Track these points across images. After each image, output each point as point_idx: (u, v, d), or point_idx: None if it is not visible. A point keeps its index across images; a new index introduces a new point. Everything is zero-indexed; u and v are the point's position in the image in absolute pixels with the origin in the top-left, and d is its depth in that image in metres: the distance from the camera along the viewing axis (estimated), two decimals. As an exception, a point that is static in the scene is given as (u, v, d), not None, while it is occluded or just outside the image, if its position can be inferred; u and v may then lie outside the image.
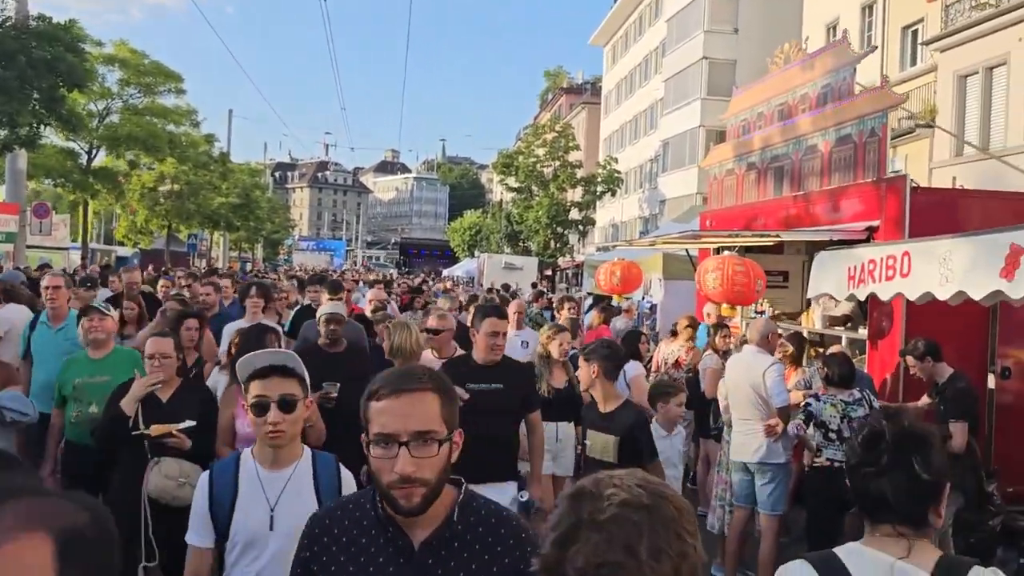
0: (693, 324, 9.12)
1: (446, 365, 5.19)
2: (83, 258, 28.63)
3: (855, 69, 8.50)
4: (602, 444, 4.77)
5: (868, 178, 8.08)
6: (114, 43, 29.53)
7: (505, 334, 5.17)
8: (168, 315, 6.26)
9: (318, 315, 5.64)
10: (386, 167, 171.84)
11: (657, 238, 10.30)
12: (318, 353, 5.30)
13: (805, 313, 9.46)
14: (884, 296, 5.47)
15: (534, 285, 31.75)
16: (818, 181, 9.01)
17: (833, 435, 6.11)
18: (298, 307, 9.09)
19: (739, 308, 8.11)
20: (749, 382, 6.62)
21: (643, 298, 15.48)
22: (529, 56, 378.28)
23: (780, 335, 6.83)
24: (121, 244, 43.96)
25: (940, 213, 7.18)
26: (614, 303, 13.40)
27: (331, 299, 6.55)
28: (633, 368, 7.59)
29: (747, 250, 9.37)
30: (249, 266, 55.90)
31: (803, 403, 6.39)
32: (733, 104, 11.18)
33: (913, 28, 23.77)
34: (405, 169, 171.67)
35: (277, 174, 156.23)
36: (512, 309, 7.68)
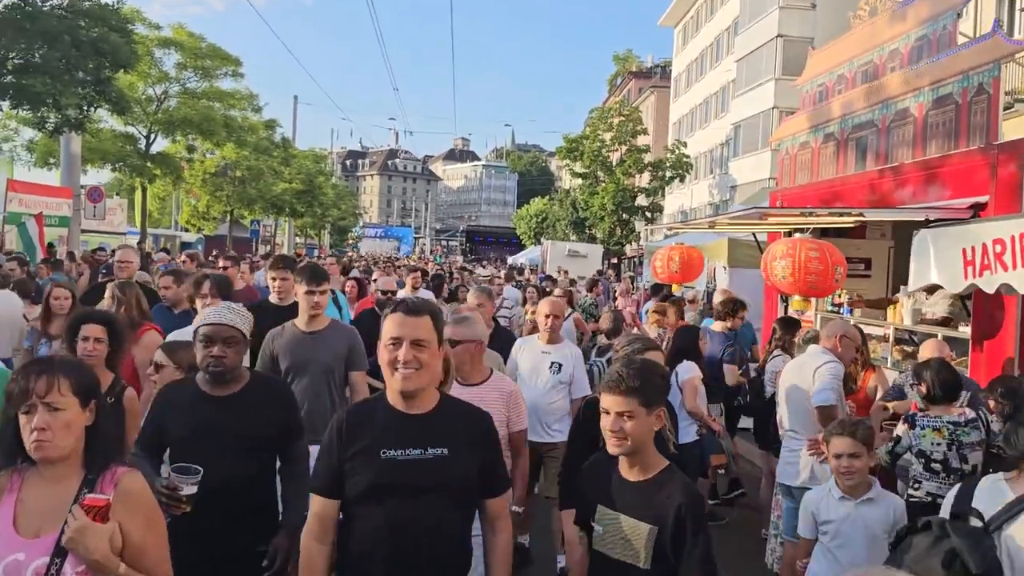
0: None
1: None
2: (140, 243, 28.48)
3: (958, 15, 7.11)
4: (626, 533, 2.87)
5: (974, 145, 6.70)
6: (172, 26, 29.24)
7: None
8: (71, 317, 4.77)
9: (194, 328, 3.69)
10: (455, 155, 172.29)
11: (716, 217, 9.01)
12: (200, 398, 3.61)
13: (892, 307, 8.10)
14: (1020, 287, 4.11)
15: (600, 273, 30.57)
16: (910, 151, 7.64)
17: (937, 466, 4.83)
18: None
19: (813, 301, 6.82)
20: (800, 385, 5.45)
21: (707, 288, 14.15)
22: (599, 40, 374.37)
23: (850, 338, 5.56)
24: (186, 230, 44.15)
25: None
26: (675, 293, 12.16)
27: (310, 291, 4.95)
28: (687, 369, 6.46)
29: (823, 234, 8.01)
30: (316, 252, 55.85)
31: (894, 432, 5.13)
32: (809, 67, 9.79)
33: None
34: (474, 157, 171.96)
35: (348, 162, 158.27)
36: (544, 311, 6.10)
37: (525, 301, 12.44)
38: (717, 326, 8.89)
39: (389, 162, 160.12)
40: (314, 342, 4.96)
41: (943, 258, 4.76)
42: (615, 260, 46.82)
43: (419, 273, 10.12)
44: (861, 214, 6.63)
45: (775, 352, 7.02)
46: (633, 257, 45.37)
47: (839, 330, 5.50)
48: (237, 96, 32.77)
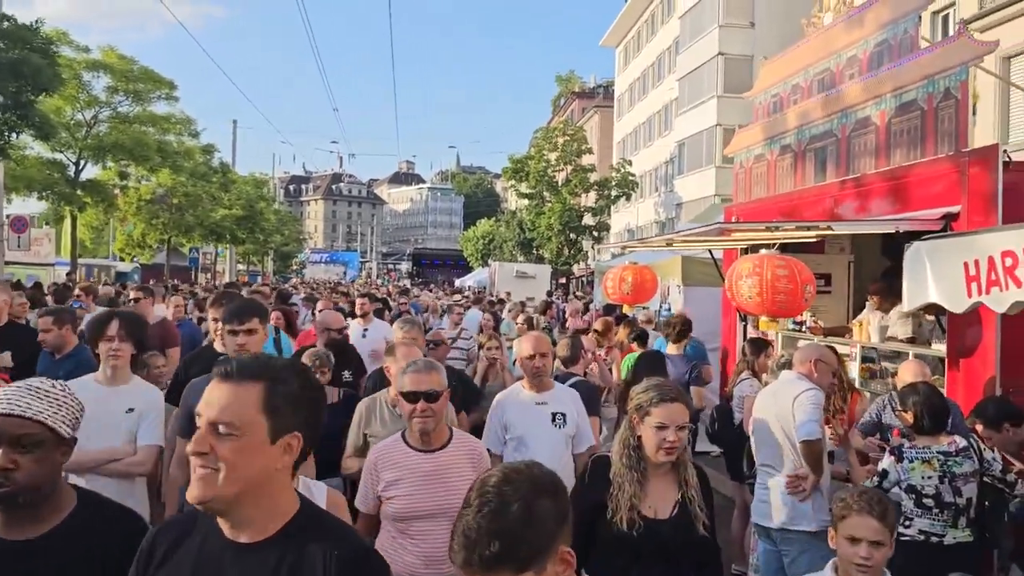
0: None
1: None
2: (69, 273, 27.24)
3: (920, 17, 6.79)
4: None
5: (943, 152, 6.36)
6: (101, 49, 28.15)
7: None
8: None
9: None
10: (400, 178, 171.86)
11: (675, 235, 8.58)
12: None
13: (858, 325, 7.73)
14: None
15: (548, 294, 30.13)
16: (873, 161, 7.29)
17: (930, 501, 4.38)
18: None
19: (780, 321, 6.38)
20: (776, 415, 4.96)
21: (660, 308, 13.75)
22: (542, 61, 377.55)
23: (826, 362, 5.11)
24: (122, 260, 42.68)
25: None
26: (627, 313, 11.72)
27: (233, 330, 4.15)
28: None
29: (783, 249, 7.63)
30: (260, 279, 54.53)
31: (879, 464, 4.69)
32: (762, 78, 9.46)
33: (944, 13, 21.92)
34: (420, 180, 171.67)
35: (291, 187, 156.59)
36: (527, 350, 4.87)
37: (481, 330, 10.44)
38: (672, 348, 8.49)
39: (333, 186, 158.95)
40: None
41: (942, 274, 4.32)
42: (563, 280, 46.61)
43: (367, 299, 9.33)
44: (829, 227, 6.21)
45: (743, 376, 6.58)
46: (582, 277, 45.25)
47: (813, 354, 5.03)
48: (172, 120, 31.74)
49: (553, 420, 4.67)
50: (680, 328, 8.43)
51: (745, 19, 36.35)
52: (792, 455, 4.84)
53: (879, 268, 9.19)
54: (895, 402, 5.88)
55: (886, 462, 4.59)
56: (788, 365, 5.32)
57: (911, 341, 7.40)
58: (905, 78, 6.78)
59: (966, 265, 4.07)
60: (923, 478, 4.42)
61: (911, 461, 4.47)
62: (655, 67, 47.74)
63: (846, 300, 9.31)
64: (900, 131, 6.90)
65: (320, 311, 8.37)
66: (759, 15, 35.82)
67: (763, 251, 5.99)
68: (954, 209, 5.98)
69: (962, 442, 4.45)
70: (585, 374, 6.91)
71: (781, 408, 4.87)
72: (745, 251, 8.40)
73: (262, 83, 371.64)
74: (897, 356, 7.23)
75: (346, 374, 6.08)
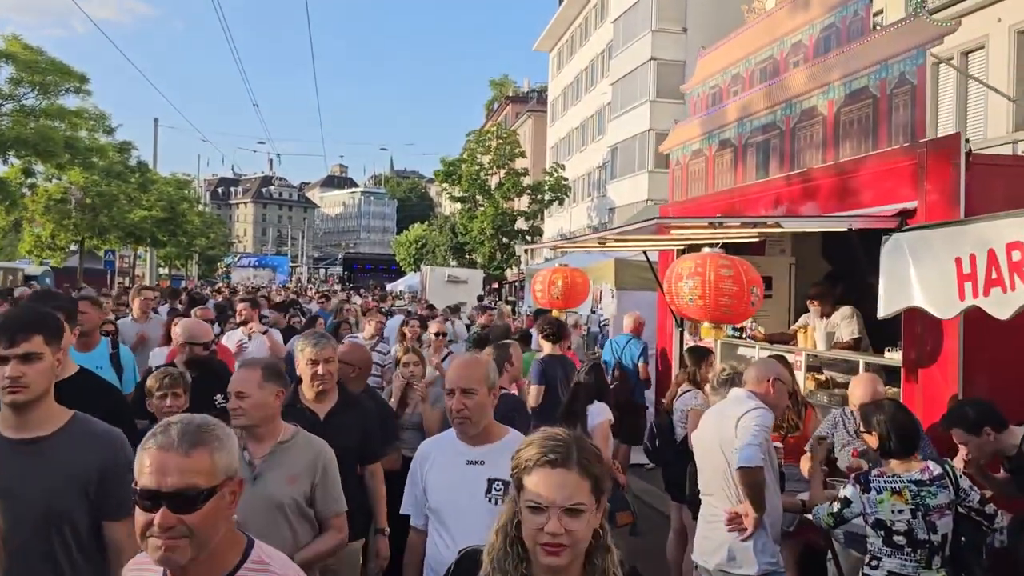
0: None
1: None
2: (-32, 277, 25.46)
3: (872, -2, 6.27)
4: None
5: (897, 144, 5.84)
6: (4, 37, 26.33)
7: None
8: None
9: None
10: (333, 182, 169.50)
11: (607, 232, 7.92)
12: None
13: (803, 331, 7.19)
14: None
15: (480, 299, 29.43)
16: (819, 155, 6.76)
17: (901, 539, 3.76)
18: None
19: (724, 328, 5.76)
20: (718, 440, 4.31)
21: (592, 313, 13.16)
22: (475, 65, 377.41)
23: (784, 381, 4.47)
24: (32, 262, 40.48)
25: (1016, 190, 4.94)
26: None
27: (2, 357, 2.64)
28: (599, 412, 5.49)
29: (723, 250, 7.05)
30: (184, 284, 52.57)
31: (840, 491, 4.08)
32: (700, 68, 8.90)
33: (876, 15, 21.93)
34: (352, 184, 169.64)
35: (220, 189, 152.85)
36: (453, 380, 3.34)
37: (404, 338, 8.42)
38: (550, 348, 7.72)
39: (263, 189, 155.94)
40: (27, 457, 2.68)
41: (928, 272, 3.70)
42: (496, 285, 45.99)
43: (249, 304, 8.36)
44: (778, 223, 5.63)
45: (684, 388, 5.95)
46: (515, 281, 44.71)
47: (771, 372, 4.36)
48: (83, 115, 29.98)
49: (489, 490, 3.11)
50: (553, 328, 7.52)
51: (678, 24, 36.31)
52: (733, 484, 4.20)
53: (820, 271, 8.73)
54: (847, 419, 5.32)
55: (850, 491, 3.99)
56: (733, 380, 4.66)
57: (857, 343, 6.90)
58: (855, 64, 6.26)
59: (959, 261, 3.45)
60: (893, 512, 3.81)
61: (879, 492, 3.87)
62: (588, 71, 47.53)
63: (787, 305, 8.81)
64: (850, 121, 6.37)
65: (196, 316, 7.21)
66: (691, 20, 35.81)
67: (706, 250, 5.36)
68: (910, 205, 5.45)
69: (936, 469, 3.85)
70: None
71: (725, 431, 4.22)
72: (682, 252, 7.82)
73: (188, 83, 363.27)
74: (846, 363, 6.70)
75: (218, 399, 4.54)
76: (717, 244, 5.42)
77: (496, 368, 3.42)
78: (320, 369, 4.20)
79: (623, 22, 39.22)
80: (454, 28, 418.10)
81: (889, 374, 5.85)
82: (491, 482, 3.11)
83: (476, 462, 3.18)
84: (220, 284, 57.81)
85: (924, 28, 5.63)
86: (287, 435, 3.43)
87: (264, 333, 8.05)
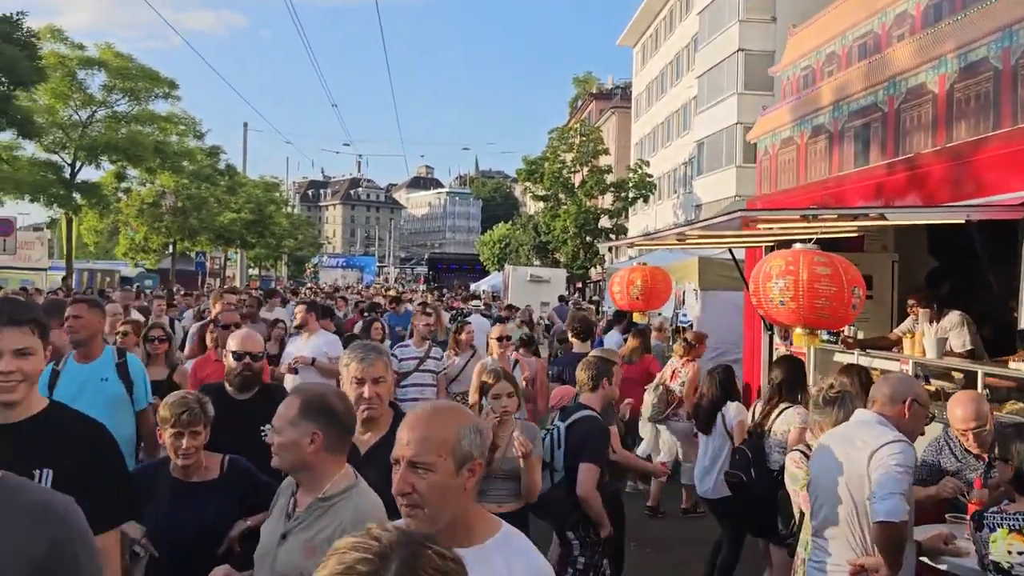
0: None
1: None
2: (65, 278, 26.33)
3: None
4: None
5: (1023, 123, 5.08)
6: (97, 46, 27.21)
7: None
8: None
9: None
10: (419, 183, 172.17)
11: (687, 227, 7.27)
12: None
13: (910, 337, 6.43)
14: None
15: (562, 299, 28.93)
16: (928, 138, 6.00)
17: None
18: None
19: (818, 333, 5.10)
20: (843, 475, 3.54)
21: (674, 314, 12.46)
22: (559, 63, 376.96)
23: (921, 404, 3.67)
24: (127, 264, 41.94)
25: None
26: (638, 321, 10.39)
27: None
28: (737, 411, 5.96)
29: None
30: (273, 284, 53.79)
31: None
32: (790, 48, 8.17)
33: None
34: (438, 184, 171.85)
35: (310, 192, 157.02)
36: None
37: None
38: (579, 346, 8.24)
39: (351, 191, 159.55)
40: None
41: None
42: (579, 285, 45.45)
43: (306, 307, 7.88)
44: (883, 215, 4.93)
45: (783, 405, 5.21)
46: (598, 281, 44.08)
47: (909, 392, 3.61)
48: (173, 120, 30.79)
49: None
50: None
51: (767, 13, 35.06)
52: (859, 529, 3.49)
53: (925, 269, 7.93)
54: (952, 442, 4.56)
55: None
56: (844, 400, 3.93)
57: (970, 354, 6.14)
58: (972, 32, 5.48)
59: None
60: (1012, 552, 3.15)
61: (992, 529, 3.21)
62: (673, 65, 46.55)
63: (889, 308, 8.00)
64: (966, 98, 5.59)
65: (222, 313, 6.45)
66: (780, 8, 34.50)
67: (798, 246, 4.71)
68: (1042, 192, 4.71)
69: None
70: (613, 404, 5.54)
71: (854, 464, 3.46)
72: (771, 249, 7.13)
73: (274, 89, 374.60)
74: (962, 374, 5.93)
75: (265, 429, 3.18)
76: (811, 240, 4.75)
77: (482, 432, 2.17)
78: (367, 391, 3.39)
79: (709, 13, 38.19)
80: (538, 24, 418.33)
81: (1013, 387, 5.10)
82: None
83: None
84: (309, 284, 59.02)
85: (1058, -14, 4.87)
86: (333, 489, 2.67)
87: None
